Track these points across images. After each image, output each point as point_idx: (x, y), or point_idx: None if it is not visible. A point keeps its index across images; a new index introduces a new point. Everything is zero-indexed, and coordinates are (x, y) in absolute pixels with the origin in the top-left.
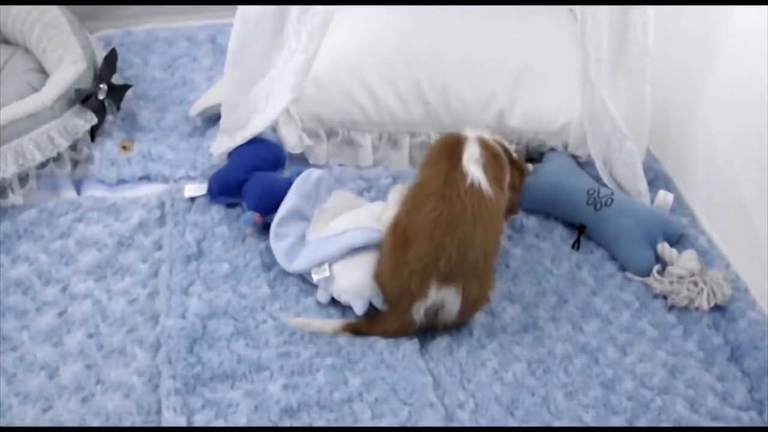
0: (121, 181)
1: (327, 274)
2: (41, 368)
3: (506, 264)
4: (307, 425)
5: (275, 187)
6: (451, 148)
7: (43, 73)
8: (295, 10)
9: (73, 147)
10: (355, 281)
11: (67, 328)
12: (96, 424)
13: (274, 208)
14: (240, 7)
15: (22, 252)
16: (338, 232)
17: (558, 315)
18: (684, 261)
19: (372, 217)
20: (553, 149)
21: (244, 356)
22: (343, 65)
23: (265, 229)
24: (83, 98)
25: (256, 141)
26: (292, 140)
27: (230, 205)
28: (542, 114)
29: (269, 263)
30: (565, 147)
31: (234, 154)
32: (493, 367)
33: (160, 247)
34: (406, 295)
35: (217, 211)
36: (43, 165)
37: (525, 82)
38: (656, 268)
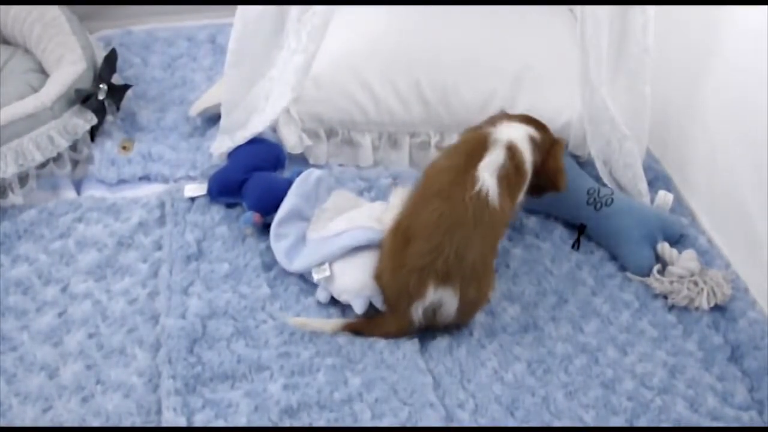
0: (121, 181)
1: (328, 273)
2: (41, 368)
3: (506, 264)
4: (307, 425)
5: (275, 188)
6: (474, 147)
7: (43, 73)
8: (295, 10)
9: (73, 147)
10: (355, 280)
11: (67, 328)
12: (96, 424)
13: (274, 208)
14: (240, 7)
15: (22, 252)
16: (338, 232)
17: (558, 315)
18: (684, 261)
19: (372, 217)
20: None
21: (244, 356)
22: (343, 65)
23: (265, 229)
24: (83, 98)
25: (256, 141)
26: (292, 140)
27: (230, 205)
28: (542, 114)
29: (269, 263)
30: (565, 147)
31: (234, 154)
32: (493, 367)
33: (160, 247)
34: (404, 296)
35: (217, 211)
36: (43, 165)
37: (525, 81)
38: (656, 267)
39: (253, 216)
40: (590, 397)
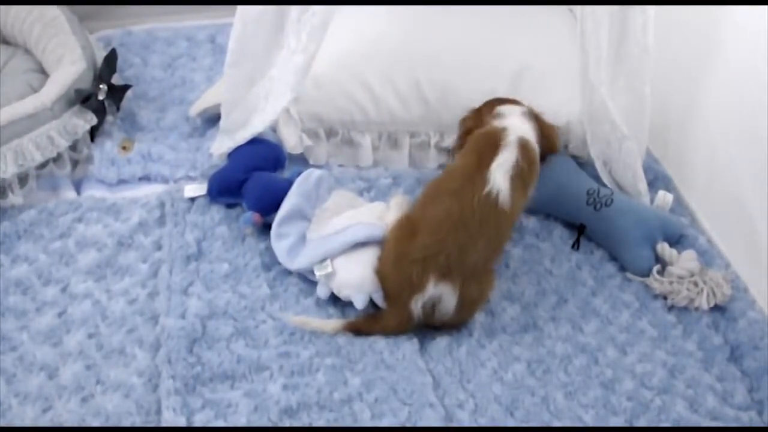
0: (121, 181)
1: (330, 270)
2: (41, 368)
3: (506, 264)
4: (306, 425)
5: (275, 187)
6: (487, 146)
7: (43, 73)
8: (294, 10)
9: (73, 147)
10: (356, 275)
11: (66, 328)
12: (96, 424)
13: (274, 208)
14: (240, 7)
15: (22, 252)
16: (340, 229)
17: (558, 315)
18: (684, 261)
19: (372, 215)
20: None
21: (243, 356)
22: (343, 65)
23: (265, 229)
24: (83, 98)
25: (256, 141)
26: (292, 140)
27: (230, 205)
28: (542, 114)
29: (269, 263)
30: (565, 147)
31: (234, 154)
32: (492, 367)
33: (160, 247)
34: (406, 287)
35: (217, 211)
36: (43, 165)
37: (525, 81)
38: (656, 268)
39: (253, 216)
40: (590, 397)
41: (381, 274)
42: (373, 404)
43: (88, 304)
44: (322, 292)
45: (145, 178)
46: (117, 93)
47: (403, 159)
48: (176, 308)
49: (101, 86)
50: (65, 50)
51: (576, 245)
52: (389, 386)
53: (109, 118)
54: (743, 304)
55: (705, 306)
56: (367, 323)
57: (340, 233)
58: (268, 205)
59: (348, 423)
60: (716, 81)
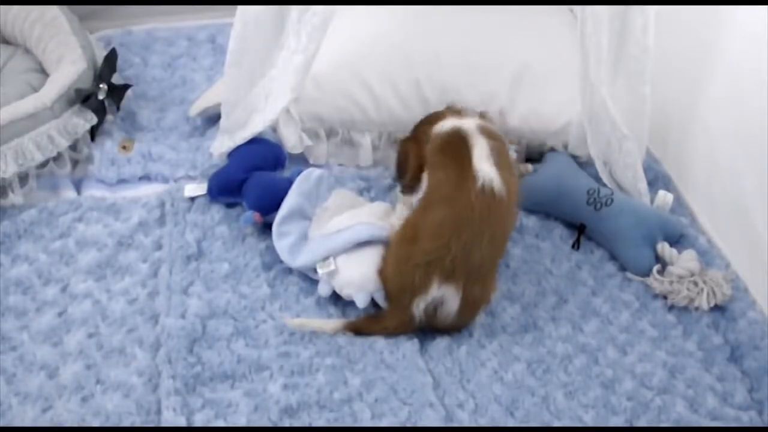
0: (121, 181)
1: (332, 267)
2: (41, 368)
3: (506, 264)
4: (307, 425)
5: (275, 187)
6: (457, 147)
7: (43, 73)
8: (295, 10)
9: (73, 147)
10: (358, 274)
11: (67, 328)
12: (96, 424)
13: (275, 207)
14: (240, 7)
15: (22, 252)
16: (341, 228)
17: (558, 315)
18: (684, 261)
19: (373, 214)
20: (553, 149)
21: (244, 356)
22: (343, 65)
23: (265, 228)
24: (83, 98)
25: (256, 141)
26: (292, 140)
27: (230, 205)
28: (542, 114)
29: (269, 263)
30: (565, 147)
31: (234, 154)
32: (493, 367)
33: (160, 247)
34: (408, 289)
35: (217, 211)
36: (43, 165)
37: (525, 82)
38: (656, 268)
39: (253, 215)
40: (590, 397)
41: (384, 275)
42: (373, 404)
43: (88, 303)
44: (323, 290)
45: (145, 178)
46: (117, 93)
47: None
48: (176, 308)
49: (101, 86)
50: (65, 50)
51: (576, 245)
52: (389, 386)
53: (109, 117)
54: (743, 304)
55: (705, 306)
56: (368, 323)
57: (343, 231)
58: (269, 205)
59: (348, 423)
60: (716, 81)
